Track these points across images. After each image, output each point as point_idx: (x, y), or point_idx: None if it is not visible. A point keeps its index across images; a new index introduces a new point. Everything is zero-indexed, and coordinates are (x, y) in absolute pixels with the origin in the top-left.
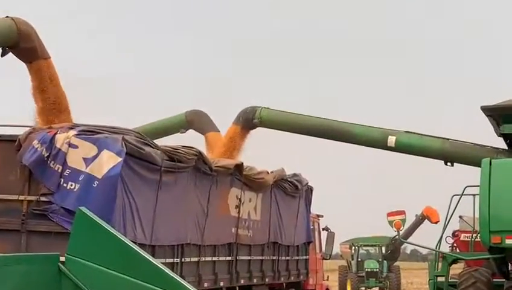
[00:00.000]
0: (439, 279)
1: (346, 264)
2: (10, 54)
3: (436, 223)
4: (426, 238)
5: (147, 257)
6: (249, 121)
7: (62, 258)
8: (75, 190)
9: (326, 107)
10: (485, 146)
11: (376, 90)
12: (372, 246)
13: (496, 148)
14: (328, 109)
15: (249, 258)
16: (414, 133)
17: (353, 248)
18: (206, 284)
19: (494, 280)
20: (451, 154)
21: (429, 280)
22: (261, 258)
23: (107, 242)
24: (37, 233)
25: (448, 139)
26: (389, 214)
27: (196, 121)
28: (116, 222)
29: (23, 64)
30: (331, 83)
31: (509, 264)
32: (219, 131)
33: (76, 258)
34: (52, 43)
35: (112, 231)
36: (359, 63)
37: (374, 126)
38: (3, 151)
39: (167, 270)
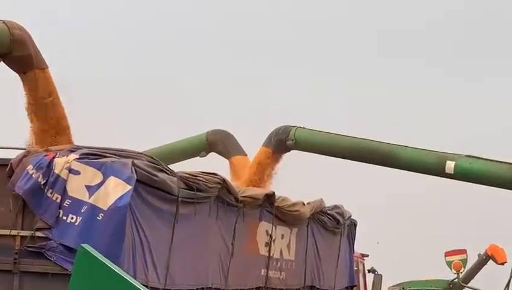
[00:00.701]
0: None
1: None
2: (1, 62)
3: (502, 264)
4: (491, 281)
5: None
6: (281, 142)
7: None
8: (76, 223)
9: (369, 125)
10: None
11: (429, 105)
12: None
13: None
14: (372, 128)
15: None
16: (478, 157)
17: None
18: None
19: None
20: None
21: None
22: None
23: (113, 285)
24: (32, 274)
25: None
26: (447, 254)
27: (219, 142)
28: (125, 262)
29: (17, 75)
30: (375, 96)
31: None
32: (246, 155)
33: None
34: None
35: (120, 272)
36: (408, 71)
37: (428, 149)
38: None
39: None
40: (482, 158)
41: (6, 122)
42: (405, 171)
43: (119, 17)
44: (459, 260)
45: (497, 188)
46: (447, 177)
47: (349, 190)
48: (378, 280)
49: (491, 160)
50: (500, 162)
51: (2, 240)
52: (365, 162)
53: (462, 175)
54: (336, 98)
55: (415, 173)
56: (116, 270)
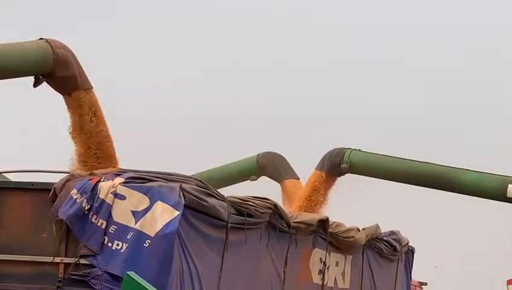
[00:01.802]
0: None
1: None
2: (45, 83)
3: None
4: None
5: None
6: (336, 166)
7: None
8: (122, 250)
9: (424, 148)
10: None
11: (487, 126)
12: None
13: None
14: (427, 150)
15: None
16: None
17: None
18: None
19: None
20: None
21: None
22: None
23: None
24: None
25: None
26: (509, 282)
27: (270, 166)
28: (175, 285)
29: (60, 96)
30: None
31: None
32: (299, 178)
33: None
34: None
35: None
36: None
37: (488, 172)
38: (36, 203)
39: None
40: None
41: (48, 145)
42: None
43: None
44: None
45: None
46: (509, 202)
47: (406, 215)
48: None
49: None
50: None
51: (45, 267)
52: (423, 186)
53: None
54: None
55: (475, 197)
56: None
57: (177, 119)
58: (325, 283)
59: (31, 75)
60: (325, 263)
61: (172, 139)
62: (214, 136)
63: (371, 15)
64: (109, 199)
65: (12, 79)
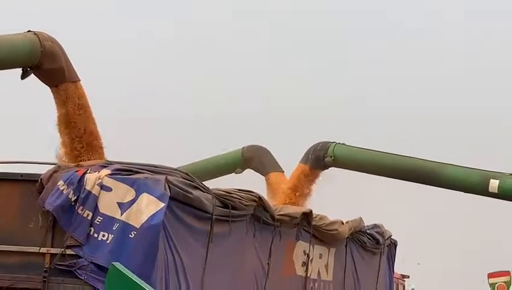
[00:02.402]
0: None
1: None
2: (32, 75)
3: None
4: None
5: None
6: (320, 159)
7: None
8: (107, 241)
9: (410, 143)
10: None
11: (472, 123)
12: None
13: None
14: (413, 146)
15: None
16: None
17: None
18: None
19: None
20: None
21: None
22: None
23: None
24: (60, 285)
25: None
26: (490, 275)
27: (255, 159)
28: (158, 281)
29: (47, 88)
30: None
31: None
32: (283, 171)
33: None
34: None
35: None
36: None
37: (470, 167)
38: (22, 194)
39: None
40: None
41: (34, 137)
42: (447, 189)
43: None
44: (503, 281)
45: None
46: (491, 197)
47: (389, 208)
48: None
49: None
50: None
51: (32, 257)
52: (407, 180)
53: (506, 194)
54: (375, 110)
55: (457, 191)
56: (143, 284)
57: (170, 116)
58: (308, 275)
59: (19, 67)
60: (308, 256)
61: (159, 134)
62: (201, 129)
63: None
64: (95, 191)
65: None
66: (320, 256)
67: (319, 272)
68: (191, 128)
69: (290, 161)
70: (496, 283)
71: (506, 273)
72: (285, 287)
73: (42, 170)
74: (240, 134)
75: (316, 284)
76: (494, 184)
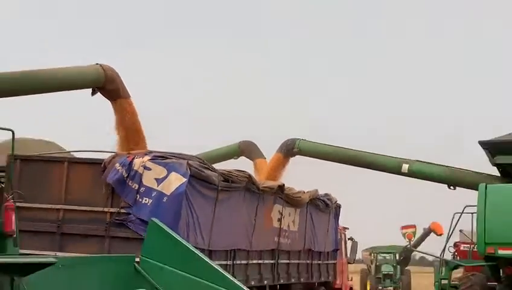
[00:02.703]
0: (443, 282)
1: (367, 268)
2: (98, 93)
3: (440, 235)
4: (432, 247)
5: (206, 259)
6: (289, 150)
7: (137, 259)
8: (148, 204)
9: (360, 136)
10: (481, 173)
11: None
12: (388, 253)
13: (491, 175)
14: (361, 138)
15: (288, 261)
16: (423, 162)
17: (372, 254)
18: (252, 283)
19: (488, 283)
20: (454, 179)
21: (435, 282)
22: (297, 262)
23: (173, 247)
24: (118, 238)
25: (451, 167)
26: (402, 227)
27: (247, 150)
28: (181, 230)
29: (108, 102)
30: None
31: (501, 270)
32: (265, 158)
33: (149, 259)
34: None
35: (178, 237)
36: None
37: (391, 156)
38: (92, 172)
39: (222, 271)
40: (426, 162)
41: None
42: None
43: None
44: (411, 232)
45: (440, 184)
46: (403, 175)
47: (336, 183)
48: (355, 245)
49: (433, 163)
50: (439, 165)
51: (98, 214)
52: (347, 164)
53: (412, 174)
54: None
55: (381, 172)
56: (175, 236)
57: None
58: (281, 227)
59: (90, 88)
60: (281, 214)
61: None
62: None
63: None
64: (140, 170)
65: (79, 90)
66: (289, 214)
67: (288, 225)
68: (206, 126)
69: (269, 151)
70: (406, 233)
71: (413, 226)
72: (266, 235)
73: (105, 156)
74: (237, 132)
75: (286, 233)
76: (405, 167)
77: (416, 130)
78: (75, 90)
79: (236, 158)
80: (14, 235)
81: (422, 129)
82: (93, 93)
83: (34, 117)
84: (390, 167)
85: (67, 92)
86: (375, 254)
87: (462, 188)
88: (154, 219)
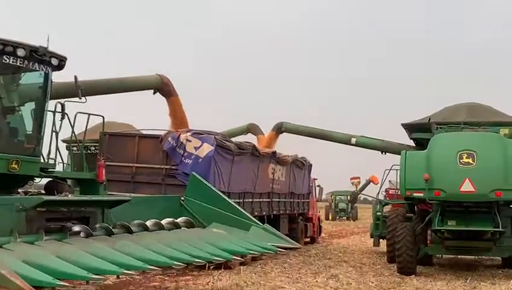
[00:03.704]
0: (378, 214)
1: (329, 205)
2: (158, 93)
3: (376, 184)
4: (371, 192)
5: (226, 198)
6: (279, 129)
7: (182, 198)
8: (189, 163)
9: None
10: (402, 144)
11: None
12: (342, 195)
13: (409, 145)
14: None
15: (278, 200)
16: (365, 136)
17: (332, 196)
18: (256, 213)
19: (406, 214)
20: (385, 148)
21: (372, 214)
22: (284, 200)
23: (205, 190)
24: (170, 185)
25: (383, 140)
26: (351, 178)
27: (252, 129)
28: (210, 180)
29: (164, 99)
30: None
31: (415, 207)
32: (264, 134)
33: (189, 198)
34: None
35: (208, 184)
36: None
37: (344, 133)
38: (154, 143)
39: (236, 205)
40: (367, 136)
41: (157, 120)
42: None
43: None
44: (357, 181)
45: (376, 151)
46: (352, 146)
47: (310, 150)
48: (321, 190)
49: (371, 137)
50: (376, 138)
51: (157, 170)
52: (317, 138)
53: (358, 145)
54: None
55: (339, 143)
56: (207, 183)
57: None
58: (274, 178)
59: (152, 89)
60: (274, 170)
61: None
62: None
63: None
64: (184, 141)
65: (145, 91)
66: (279, 170)
67: (278, 177)
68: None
69: (267, 130)
70: (354, 182)
71: (358, 177)
72: (264, 183)
73: (162, 132)
74: (246, 115)
75: (277, 182)
76: (353, 140)
77: (364, 114)
78: (144, 91)
79: (246, 134)
80: (104, 183)
81: (369, 113)
82: (154, 93)
83: (118, 107)
84: (345, 140)
85: (139, 92)
86: (334, 196)
87: (390, 154)
88: (193, 173)
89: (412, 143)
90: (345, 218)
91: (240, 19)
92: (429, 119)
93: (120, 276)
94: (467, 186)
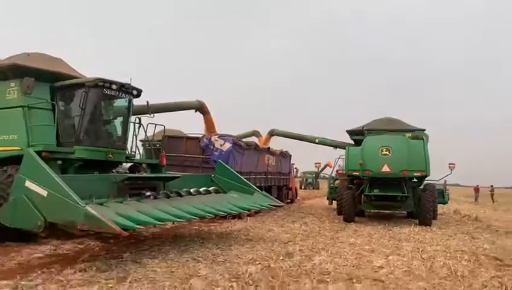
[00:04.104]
0: (331, 185)
1: (301, 180)
2: (198, 112)
3: (331, 167)
4: (327, 172)
5: (239, 175)
6: (271, 133)
7: (212, 176)
8: (217, 154)
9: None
10: (347, 143)
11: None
12: (310, 174)
13: (350, 144)
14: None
15: (270, 177)
16: (324, 138)
17: (304, 174)
18: (257, 184)
19: (349, 185)
20: (337, 145)
21: (328, 185)
22: (274, 177)
23: (227, 171)
24: (205, 168)
25: (336, 140)
26: (315, 163)
27: (256, 133)
28: (230, 164)
29: (201, 115)
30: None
31: (354, 180)
32: (262, 136)
33: (217, 176)
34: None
35: (229, 167)
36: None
37: (311, 135)
38: (195, 142)
39: (245, 180)
40: (325, 138)
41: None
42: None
43: None
44: (319, 165)
45: (331, 147)
46: (316, 144)
47: (292, 147)
48: (297, 171)
49: (328, 138)
50: (331, 139)
51: (196, 158)
52: (295, 139)
53: (320, 143)
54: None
55: (307, 142)
56: (227, 166)
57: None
58: (268, 163)
59: (193, 109)
60: (268, 158)
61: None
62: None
63: None
64: (214, 141)
65: (188, 111)
66: (272, 159)
67: (271, 163)
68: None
69: (264, 133)
70: (316, 165)
71: (319, 163)
72: (262, 167)
73: (200, 135)
74: (251, 123)
75: (270, 166)
76: (317, 140)
77: (326, 121)
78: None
79: (251, 136)
80: (165, 166)
81: (330, 121)
82: (196, 112)
83: (175, 119)
84: (311, 140)
85: (185, 111)
86: (305, 174)
87: (339, 149)
88: (219, 160)
89: (352, 142)
90: (312, 188)
91: None
92: (363, 127)
93: (174, 223)
94: (386, 168)
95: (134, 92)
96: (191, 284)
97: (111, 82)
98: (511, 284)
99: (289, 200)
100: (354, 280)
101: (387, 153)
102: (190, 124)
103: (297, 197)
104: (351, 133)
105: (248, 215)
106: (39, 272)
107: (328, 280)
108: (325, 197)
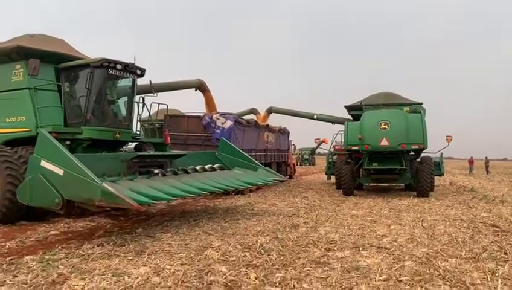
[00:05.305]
0: (330, 160)
1: (298, 156)
2: (198, 91)
3: (326, 144)
4: (326, 147)
5: (242, 152)
6: (270, 111)
7: (216, 153)
8: (219, 132)
9: (310, 96)
10: (346, 118)
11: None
12: (306, 150)
13: (349, 119)
14: (309, 98)
15: (270, 153)
16: (323, 114)
17: (301, 151)
18: (258, 161)
19: (347, 160)
20: (335, 121)
21: (326, 160)
22: (274, 153)
23: (230, 148)
24: (207, 146)
25: (334, 116)
26: (315, 139)
27: (254, 111)
28: (232, 142)
29: (201, 93)
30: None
31: (352, 155)
32: (261, 114)
33: (220, 153)
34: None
35: (231, 144)
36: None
37: (309, 111)
38: (197, 120)
39: (248, 156)
40: (324, 114)
41: (196, 106)
42: (316, 121)
43: None
44: (318, 140)
45: (329, 123)
46: (314, 120)
47: (290, 124)
48: (295, 147)
49: (326, 114)
50: (330, 115)
51: (199, 136)
52: (293, 116)
53: (318, 119)
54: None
55: (321, 121)
56: (231, 143)
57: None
58: (267, 140)
59: (193, 88)
60: (267, 136)
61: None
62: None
63: None
64: (215, 119)
65: (186, 90)
66: (271, 136)
67: (270, 140)
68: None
69: (263, 110)
70: (315, 141)
71: (318, 139)
72: (262, 144)
73: (201, 114)
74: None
75: (270, 143)
76: (315, 116)
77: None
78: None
79: (249, 114)
80: (169, 145)
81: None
82: (196, 90)
83: (176, 98)
84: (309, 116)
85: (186, 90)
86: (302, 151)
87: (338, 124)
88: (222, 138)
89: (350, 117)
90: (308, 164)
91: None
92: (361, 102)
93: (184, 198)
94: (384, 142)
95: (138, 72)
96: (206, 255)
97: (116, 62)
98: (510, 247)
99: (288, 176)
100: (360, 248)
101: (385, 127)
102: (187, 103)
103: (296, 174)
104: (349, 108)
105: (251, 191)
106: (59, 247)
107: (335, 248)
108: (323, 173)
